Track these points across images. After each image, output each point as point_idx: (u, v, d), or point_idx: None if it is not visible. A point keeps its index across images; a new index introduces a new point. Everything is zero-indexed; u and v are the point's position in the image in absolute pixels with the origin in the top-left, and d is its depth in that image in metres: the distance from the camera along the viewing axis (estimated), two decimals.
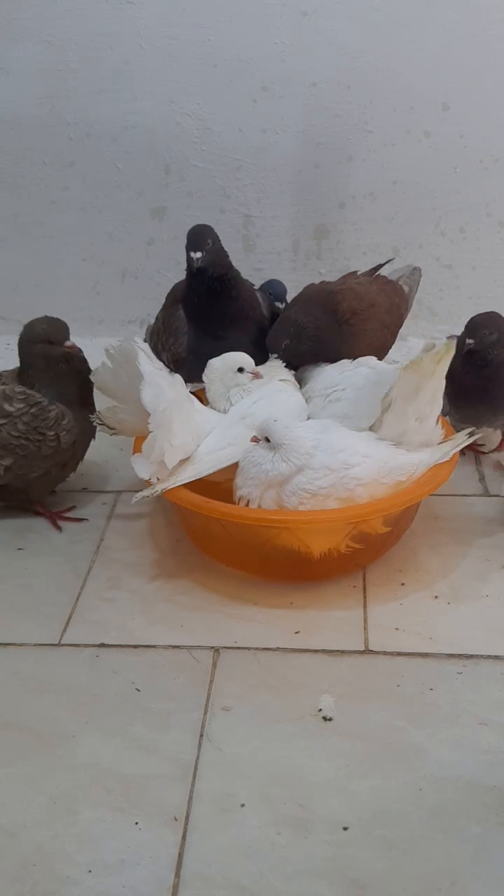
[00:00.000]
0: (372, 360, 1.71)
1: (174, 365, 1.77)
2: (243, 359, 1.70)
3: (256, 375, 1.69)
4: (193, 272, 1.73)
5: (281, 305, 1.89)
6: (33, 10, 2.15)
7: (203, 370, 1.70)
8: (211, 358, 1.69)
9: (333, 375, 1.69)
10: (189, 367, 1.74)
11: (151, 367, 1.52)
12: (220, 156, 2.24)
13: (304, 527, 1.50)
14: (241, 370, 1.68)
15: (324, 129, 2.20)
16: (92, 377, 1.63)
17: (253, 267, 2.30)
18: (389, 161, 2.22)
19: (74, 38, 2.17)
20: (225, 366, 1.69)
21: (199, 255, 1.71)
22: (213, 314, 1.75)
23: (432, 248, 2.27)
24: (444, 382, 1.55)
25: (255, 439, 1.53)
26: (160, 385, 1.51)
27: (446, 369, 1.53)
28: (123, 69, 2.18)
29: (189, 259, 1.72)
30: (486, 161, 2.21)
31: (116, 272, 2.33)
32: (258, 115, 2.20)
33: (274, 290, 1.92)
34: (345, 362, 1.72)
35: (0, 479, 1.66)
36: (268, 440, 1.51)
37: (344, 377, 1.67)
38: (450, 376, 1.56)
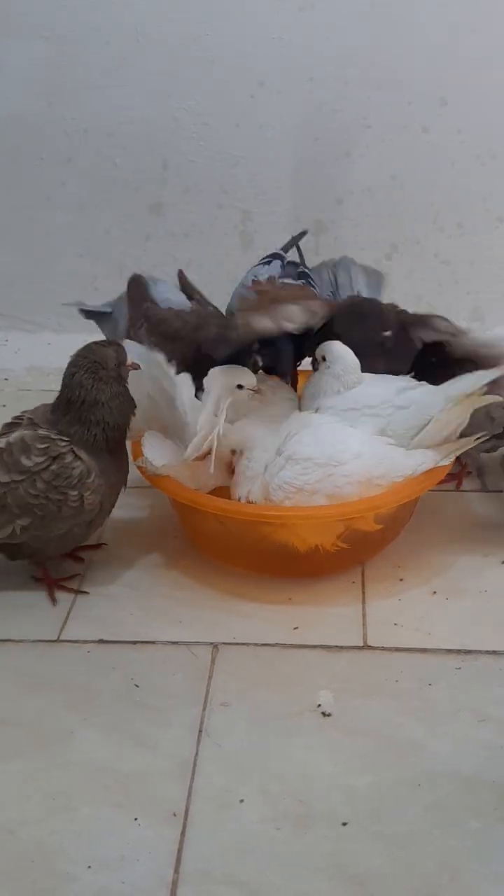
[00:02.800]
0: (416, 383, 1.61)
1: None
2: (243, 375, 1.58)
3: (258, 392, 1.59)
4: None
5: None
6: (29, 5, 2.14)
7: None
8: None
9: (377, 392, 1.58)
10: None
11: (181, 377, 1.51)
12: (217, 151, 2.23)
13: (294, 523, 1.49)
14: (240, 387, 1.58)
15: (321, 124, 2.20)
16: None
17: (251, 263, 2.28)
18: (387, 156, 2.21)
19: (70, 34, 2.16)
20: (226, 379, 1.58)
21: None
22: None
23: (430, 244, 2.27)
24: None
25: (232, 452, 1.54)
26: (191, 391, 1.51)
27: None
28: (120, 64, 2.18)
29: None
30: (483, 156, 2.21)
31: (114, 268, 2.32)
32: (255, 111, 2.20)
33: None
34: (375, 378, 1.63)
35: (17, 538, 1.49)
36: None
37: (385, 395, 1.56)
38: None
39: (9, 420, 1.55)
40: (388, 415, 1.53)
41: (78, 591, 1.55)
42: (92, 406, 1.46)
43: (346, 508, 1.49)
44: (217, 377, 1.58)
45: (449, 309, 2.15)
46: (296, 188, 2.25)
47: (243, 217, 2.28)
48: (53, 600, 1.53)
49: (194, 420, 1.49)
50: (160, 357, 1.50)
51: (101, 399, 1.46)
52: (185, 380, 1.50)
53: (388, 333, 1.65)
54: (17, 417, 1.55)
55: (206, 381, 1.62)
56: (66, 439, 1.47)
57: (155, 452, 1.50)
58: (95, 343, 1.50)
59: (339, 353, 1.59)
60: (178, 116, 2.21)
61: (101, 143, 2.24)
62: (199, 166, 2.24)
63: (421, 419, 1.51)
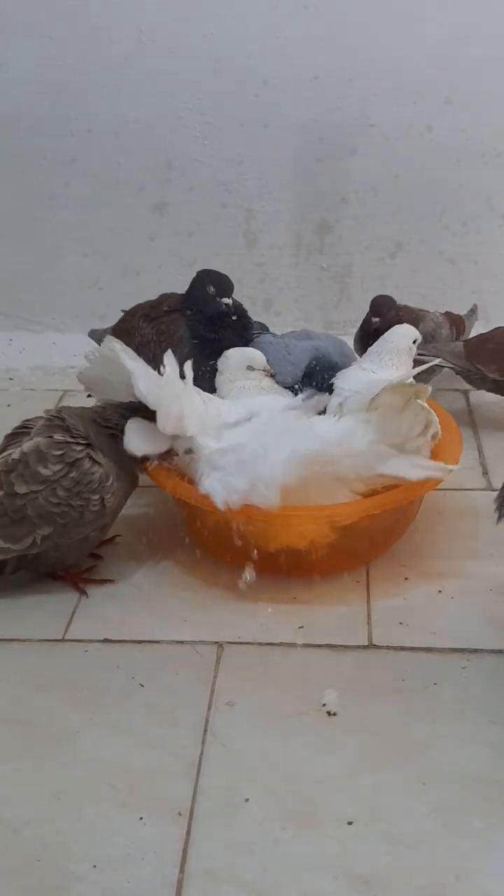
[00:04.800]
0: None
1: None
2: (253, 356, 1.69)
3: (267, 372, 1.69)
4: (216, 315, 1.72)
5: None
6: (33, 4, 2.15)
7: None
8: (203, 375, 1.66)
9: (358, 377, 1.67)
10: None
11: (137, 363, 1.50)
12: (221, 150, 2.23)
13: (295, 522, 1.49)
14: (250, 368, 1.68)
15: (325, 123, 2.20)
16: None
17: (255, 262, 2.30)
18: (391, 155, 2.21)
19: (74, 33, 2.16)
20: (237, 360, 1.69)
21: (229, 300, 1.71)
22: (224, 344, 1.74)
23: (435, 243, 2.27)
24: (422, 419, 1.51)
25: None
26: (150, 373, 1.50)
27: (422, 412, 1.50)
28: (124, 64, 2.18)
29: (215, 303, 1.71)
30: (488, 155, 2.21)
31: (118, 268, 2.33)
32: (260, 110, 2.20)
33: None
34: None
35: (37, 547, 1.49)
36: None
37: (354, 383, 1.66)
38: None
39: (10, 431, 1.55)
40: (346, 397, 1.61)
41: (103, 581, 1.56)
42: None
43: (343, 510, 1.48)
44: (231, 358, 1.68)
45: (453, 307, 2.17)
46: (300, 187, 2.25)
47: (247, 216, 2.28)
48: (82, 592, 1.54)
49: (155, 403, 1.47)
50: (117, 345, 1.51)
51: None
52: (142, 368, 1.49)
53: None
54: (19, 427, 1.54)
55: (219, 361, 1.70)
56: (84, 442, 1.48)
57: (135, 437, 1.50)
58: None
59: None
60: (183, 116, 2.21)
61: (105, 142, 2.24)
62: (204, 165, 2.24)
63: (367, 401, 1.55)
